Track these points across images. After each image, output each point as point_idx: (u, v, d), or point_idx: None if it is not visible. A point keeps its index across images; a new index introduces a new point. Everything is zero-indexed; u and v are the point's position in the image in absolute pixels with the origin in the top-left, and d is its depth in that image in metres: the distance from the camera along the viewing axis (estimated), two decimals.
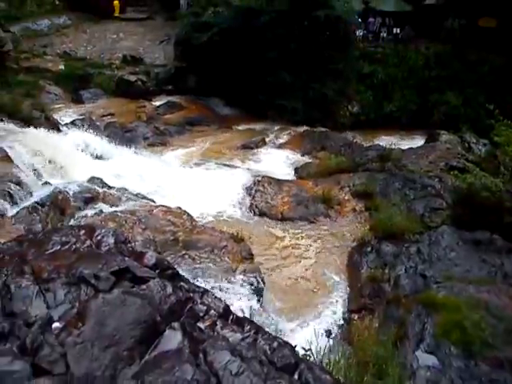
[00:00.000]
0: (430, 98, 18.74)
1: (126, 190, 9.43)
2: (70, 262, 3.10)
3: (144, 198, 9.49)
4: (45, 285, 2.85)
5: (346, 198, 10.57)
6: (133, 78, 18.71)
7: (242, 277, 7.16)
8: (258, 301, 6.82)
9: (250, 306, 6.48)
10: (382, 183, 10.74)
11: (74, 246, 3.40)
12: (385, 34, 21.76)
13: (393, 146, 13.38)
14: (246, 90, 17.22)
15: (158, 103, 18.05)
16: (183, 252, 7.51)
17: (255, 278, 7.20)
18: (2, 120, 10.49)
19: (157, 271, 3.11)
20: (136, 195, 9.44)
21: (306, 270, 8.07)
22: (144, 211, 8.45)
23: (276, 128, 16.98)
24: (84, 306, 2.67)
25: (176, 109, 17.62)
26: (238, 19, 17.54)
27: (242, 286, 6.95)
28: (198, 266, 7.17)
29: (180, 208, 8.89)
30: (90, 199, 8.53)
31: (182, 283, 3.11)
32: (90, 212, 8.06)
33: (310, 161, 13.72)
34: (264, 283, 7.19)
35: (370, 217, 9.62)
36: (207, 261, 7.44)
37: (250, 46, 17.12)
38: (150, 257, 3.28)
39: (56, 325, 2.60)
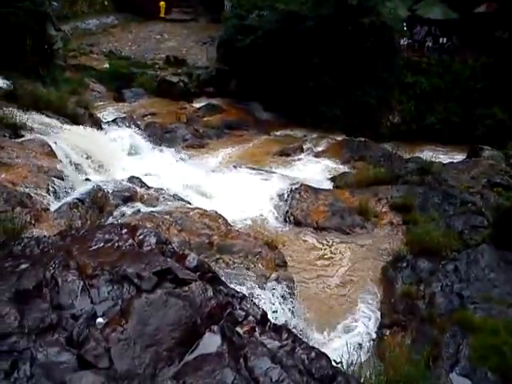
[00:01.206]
0: (474, 111, 18.25)
1: (163, 190, 9.52)
2: (113, 259, 3.17)
3: (180, 199, 9.56)
4: (89, 280, 2.92)
5: (384, 210, 10.41)
6: (175, 78, 18.95)
7: (274, 284, 7.15)
8: (290, 309, 6.80)
9: (282, 314, 6.47)
10: (420, 197, 10.55)
11: (116, 244, 3.47)
12: (430, 43, 21.37)
13: (433, 159, 13.13)
14: (286, 95, 17.22)
15: (198, 105, 18.22)
16: (217, 256, 7.53)
17: (288, 286, 7.18)
18: (48, 116, 10.76)
19: (197, 274, 3.14)
20: (173, 196, 9.52)
21: (340, 281, 7.99)
22: (180, 213, 8.52)
23: (314, 135, 16.92)
24: (127, 305, 2.72)
25: (216, 111, 17.76)
26: (282, 23, 17.57)
27: (274, 293, 6.95)
28: (231, 270, 7.19)
29: (216, 211, 8.92)
30: (128, 198, 8.64)
31: (221, 287, 3.13)
32: (128, 211, 8.18)
33: (348, 170, 13.60)
34: (296, 292, 7.17)
35: (407, 231, 9.46)
36: (241, 266, 7.45)
37: (293, 51, 17.12)
38: (192, 259, 3.31)
39: (100, 320, 2.66)
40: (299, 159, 14.59)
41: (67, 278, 2.95)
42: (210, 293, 2.93)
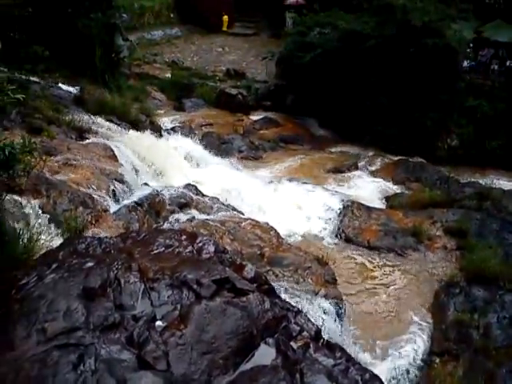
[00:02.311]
0: None
1: (217, 199, 9.66)
2: (174, 264, 3.26)
3: (234, 209, 9.67)
4: (150, 283, 3.02)
5: (438, 233, 10.16)
6: (234, 91, 19.23)
7: (323, 300, 7.11)
8: (338, 327, 6.74)
9: (329, 331, 6.40)
10: (477, 223, 10.23)
11: (176, 250, 3.57)
12: (496, 66, 20.69)
13: (493, 185, 12.73)
14: (342, 112, 17.16)
15: (255, 118, 18.41)
16: (268, 268, 7.57)
17: (336, 303, 7.12)
18: (112, 121, 11.19)
19: (254, 285, 3.18)
20: (226, 206, 9.65)
21: (390, 302, 7.86)
22: (233, 223, 8.63)
23: (369, 154, 16.71)
24: (187, 310, 2.79)
25: (272, 125, 17.88)
26: (342, 42, 17.56)
27: (322, 309, 6.90)
28: (281, 283, 7.21)
29: (268, 223, 8.98)
30: (183, 205, 8.84)
31: (276, 300, 3.16)
32: (183, 217, 8.35)
33: (402, 191, 13.36)
34: (345, 310, 7.10)
35: (461, 256, 9.20)
36: (290, 279, 7.45)
37: (352, 70, 17.06)
38: (250, 270, 3.36)
39: (159, 323, 2.75)
40: (353, 177, 14.44)
41: (129, 279, 3.05)
42: (267, 305, 2.96)
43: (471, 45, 19.57)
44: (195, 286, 3.01)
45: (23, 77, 9.56)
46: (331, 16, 19.43)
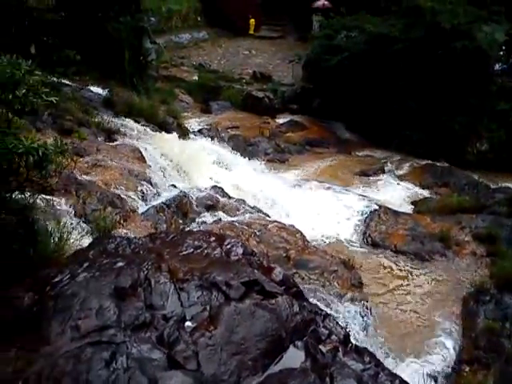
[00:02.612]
0: None
1: (243, 201, 9.69)
2: (203, 266, 3.28)
3: (260, 211, 9.69)
4: (180, 284, 3.05)
5: (466, 239, 9.98)
6: (260, 94, 19.28)
7: (349, 304, 7.07)
8: (363, 331, 6.69)
9: (355, 335, 6.36)
10: (508, 229, 10.02)
11: (205, 251, 3.59)
12: None
13: None
14: (369, 116, 17.04)
15: (281, 121, 18.41)
16: (294, 270, 7.54)
17: (363, 307, 7.08)
18: (140, 123, 11.34)
19: (283, 288, 3.19)
20: (252, 208, 9.67)
21: (417, 307, 7.75)
22: (259, 225, 8.64)
23: (396, 158, 16.53)
24: (217, 311, 2.81)
25: (298, 128, 17.86)
26: (370, 45, 17.45)
27: (348, 313, 6.86)
28: (306, 286, 7.18)
29: (294, 226, 8.97)
30: (210, 206, 8.89)
31: (305, 303, 3.16)
32: (209, 219, 8.41)
33: (430, 196, 13.20)
34: (371, 314, 7.04)
35: (491, 263, 9.02)
36: (316, 283, 7.43)
37: (379, 73, 16.93)
38: (278, 273, 3.37)
39: (188, 324, 2.77)
40: (380, 181, 14.32)
41: (159, 279, 3.09)
42: (296, 308, 2.96)
43: (503, 47, 19.16)
44: (224, 288, 3.03)
45: (55, 79, 9.76)
46: (358, 19, 19.32)
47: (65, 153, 4.87)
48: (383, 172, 14.98)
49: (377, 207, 11.03)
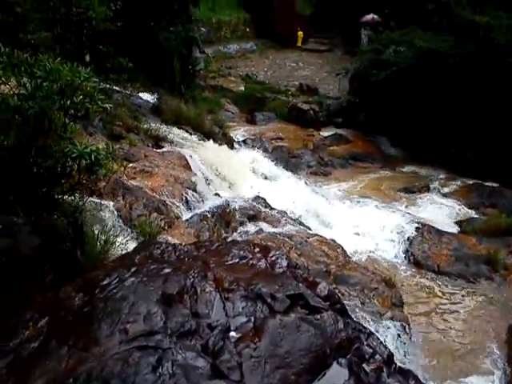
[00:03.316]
0: None
1: (285, 213, 9.69)
2: (248, 276, 3.30)
3: (301, 224, 9.66)
4: (225, 294, 3.07)
5: None
6: (305, 106, 19.31)
7: (389, 323, 6.94)
8: (404, 351, 6.55)
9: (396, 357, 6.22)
10: None
11: (250, 262, 3.61)
12: None
13: None
14: (415, 132, 16.77)
15: (325, 134, 18.36)
16: (333, 286, 7.45)
17: (403, 327, 6.93)
18: (187, 131, 11.55)
19: (327, 303, 3.17)
20: (294, 220, 9.65)
21: (460, 331, 7.53)
22: (300, 237, 8.62)
23: (443, 175, 16.19)
24: (262, 323, 2.82)
25: (342, 142, 17.78)
26: (419, 60, 17.19)
27: (388, 332, 6.74)
28: (346, 302, 7.09)
29: (334, 240, 8.91)
30: (252, 216, 8.92)
31: (348, 320, 3.13)
32: (251, 229, 8.44)
33: (476, 216, 12.83)
34: (412, 335, 6.89)
35: None
36: (356, 299, 7.34)
37: (427, 89, 16.65)
38: (323, 288, 3.35)
39: (233, 334, 2.79)
40: (424, 198, 14.04)
41: (205, 288, 3.12)
42: (341, 325, 2.94)
43: None
44: (269, 300, 3.03)
45: (107, 86, 10.05)
46: (408, 34, 19.08)
47: (115, 158, 5.01)
48: (428, 189, 14.69)
49: (420, 225, 10.81)
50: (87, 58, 10.52)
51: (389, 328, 6.84)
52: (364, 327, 3.24)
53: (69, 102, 4.54)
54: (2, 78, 4.28)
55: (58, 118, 4.71)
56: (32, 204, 4.70)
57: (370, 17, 25.39)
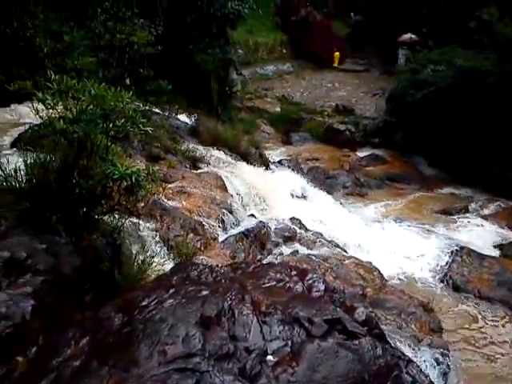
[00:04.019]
0: None
1: (321, 235, 9.64)
2: (285, 300, 3.30)
3: (337, 246, 9.58)
4: (262, 317, 3.08)
5: None
6: (342, 126, 19.30)
7: (427, 349, 6.74)
8: (442, 380, 6.36)
9: None
10: None
11: (287, 285, 3.61)
12: None
13: None
14: (454, 152, 16.52)
15: (361, 154, 18.29)
16: (369, 309, 7.34)
17: (442, 354, 6.72)
18: (223, 152, 11.68)
19: (365, 328, 3.13)
20: (329, 242, 9.58)
21: (503, 360, 7.26)
22: (336, 260, 8.55)
23: (482, 197, 15.81)
24: (299, 348, 2.81)
25: (379, 162, 17.65)
26: (458, 79, 16.96)
27: (426, 359, 6.55)
28: (382, 327, 6.95)
29: (371, 263, 8.79)
30: (287, 238, 8.91)
31: (387, 346, 3.08)
32: (286, 250, 8.43)
33: None
34: (451, 363, 6.68)
35: None
36: (393, 323, 7.19)
37: (467, 108, 16.40)
38: (361, 312, 3.32)
39: (270, 358, 2.78)
40: (463, 220, 13.74)
41: (243, 311, 3.14)
42: (379, 351, 2.90)
43: None
44: (307, 324, 3.02)
45: (147, 108, 10.31)
46: (447, 53, 18.91)
47: (156, 180, 5.11)
48: (467, 211, 14.38)
49: (459, 248, 10.58)
50: (127, 81, 10.85)
51: (427, 355, 6.66)
52: (403, 354, 3.18)
53: (111, 126, 4.67)
54: (51, 103, 4.45)
55: (101, 140, 4.85)
56: (73, 224, 4.83)
57: (407, 36, 25.28)
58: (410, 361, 3.11)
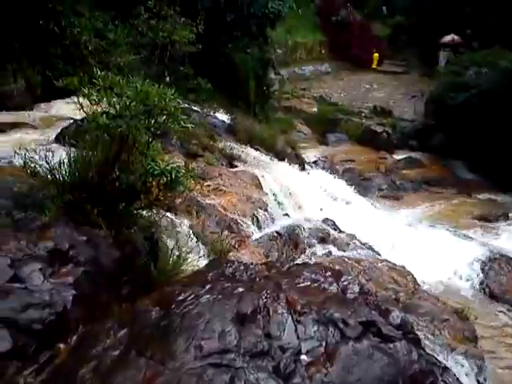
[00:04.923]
0: None
1: (354, 236, 9.56)
2: (320, 300, 3.31)
3: (370, 248, 9.49)
4: (297, 316, 3.09)
5: None
6: (379, 128, 19.14)
7: (460, 359, 6.59)
8: None
9: None
10: None
11: (322, 286, 3.62)
12: None
13: None
14: (495, 157, 16.10)
15: (398, 157, 18.08)
16: (402, 314, 7.26)
17: (477, 365, 6.57)
18: (259, 151, 11.73)
19: (400, 332, 3.12)
20: (363, 244, 9.50)
21: None
22: (369, 262, 8.46)
23: None
24: (334, 348, 2.82)
25: (415, 165, 17.41)
26: (503, 82, 16.52)
27: (460, 368, 6.42)
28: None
29: (404, 267, 8.67)
30: (321, 239, 8.88)
31: (422, 352, 3.06)
32: (319, 251, 8.41)
33: None
34: (486, 373, 6.53)
35: None
36: (426, 330, 7.06)
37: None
38: (396, 316, 3.30)
39: (303, 357, 2.80)
40: (502, 227, 13.42)
41: (278, 309, 3.16)
42: (415, 356, 2.88)
43: None
44: (341, 325, 3.02)
45: (186, 105, 10.44)
46: (491, 54, 18.45)
47: (194, 177, 5.18)
48: (507, 218, 14.03)
49: (497, 256, 10.33)
50: (167, 78, 11.01)
51: (461, 364, 6.52)
52: (439, 361, 3.15)
53: (153, 122, 4.76)
54: (96, 99, 4.56)
55: (142, 136, 4.94)
56: (112, 218, 4.94)
57: (449, 37, 24.77)
58: (445, 368, 3.07)
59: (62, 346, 3.25)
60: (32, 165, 4.80)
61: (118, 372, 2.71)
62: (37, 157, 4.96)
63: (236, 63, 16.08)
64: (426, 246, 10.50)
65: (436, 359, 3.18)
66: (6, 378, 2.90)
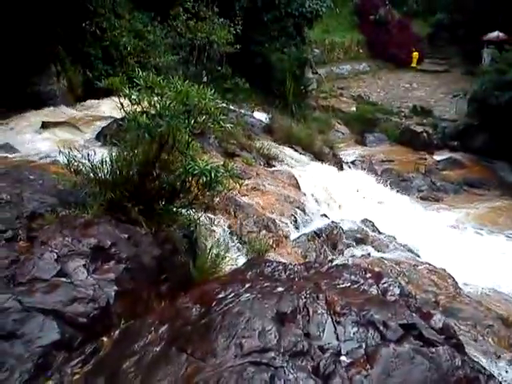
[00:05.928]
0: None
1: (394, 238, 9.42)
2: (359, 302, 3.28)
3: (410, 250, 9.33)
4: (337, 317, 3.07)
5: None
6: (419, 128, 18.77)
7: (507, 367, 6.41)
8: None
9: None
10: None
11: (362, 287, 3.59)
12: None
13: None
14: None
15: (439, 157, 17.67)
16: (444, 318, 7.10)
17: None
18: (297, 150, 11.72)
19: (442, 336, 3.05)
20: (403, 246, 9.35)
21: None
22: (408, 264, 8.33)
23: None
24: (374, 350, 2.79)
25: (457, 166, 16.99)
26: None
27: (506, 377, 6.22)
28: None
29: (445, 270, 8.49)
30: (360, 240, 8.80)
31: (465, 358, 2.98)
32: (358, 252, 8.32)
33: None
34: None
35: None
36: (468, 335, 6.89)
37: None
38: (438, 320, 3.23)
39: (344, 358, 2.78)
40: None
41: (317, 310, 3.15)
42: (458, 362, 2.81)
43: None
44: (381, 328, 2.98)
45: (224, 105, 10.52)
46: None
47: (233, 176, 5.22)
48: None
49: None
50: (205, 78, 11.12)
51: (507, 372, 6.32)
52: (484, 368, 3.07)
53: (193, 122, 4.82)
54: (137, 99, 4.65)
55: (182, 135, 5.01)
56: (152, 216, 5.03)
57: (494, 34, 24.01)
58: (491, 376, 2.98)
59: (105, 339, 3.35)
60: (75, 163, 4.93)
61: (159, 367, 2.77)
62: (79, 155, 5.09)
63: (273, 63, 16.10)
64: (468, 248, 10.26)
65: (481, 366, 3.09)
66: (55, 367, 3.03)
